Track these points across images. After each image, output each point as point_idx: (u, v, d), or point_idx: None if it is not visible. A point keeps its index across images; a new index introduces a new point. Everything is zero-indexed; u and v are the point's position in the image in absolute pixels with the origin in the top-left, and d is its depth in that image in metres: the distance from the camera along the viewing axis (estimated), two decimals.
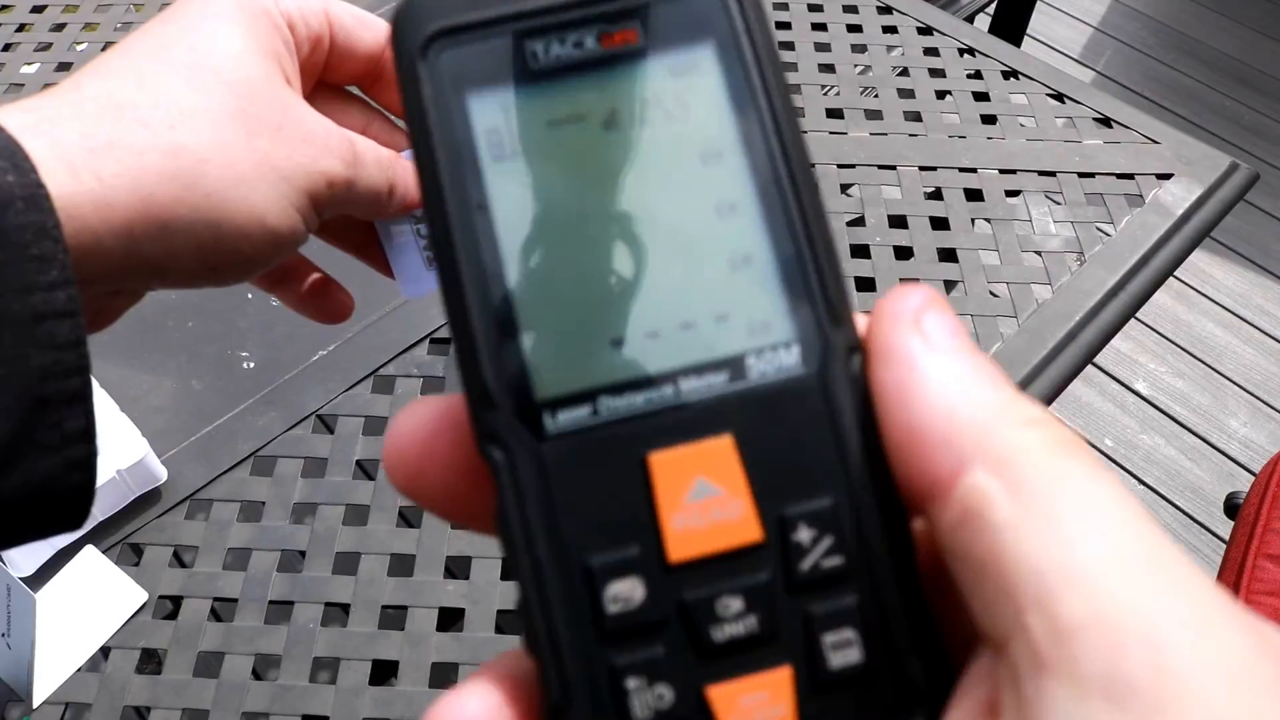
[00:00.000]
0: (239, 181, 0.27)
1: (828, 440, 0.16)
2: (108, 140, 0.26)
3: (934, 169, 0.77)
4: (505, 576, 0.56)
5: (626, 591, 0.15)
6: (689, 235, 0.16)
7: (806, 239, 0.16)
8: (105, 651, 0.54)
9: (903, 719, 0.16)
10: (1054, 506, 0.14)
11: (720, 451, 0.16)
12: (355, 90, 0.35)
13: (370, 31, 0.33)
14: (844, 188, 0.77)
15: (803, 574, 0.16)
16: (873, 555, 0.16)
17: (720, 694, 0.15)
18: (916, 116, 0.81)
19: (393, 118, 0.36)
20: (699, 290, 0.16)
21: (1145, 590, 0.14)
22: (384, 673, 0.53)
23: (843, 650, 0.16)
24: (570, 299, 0.16)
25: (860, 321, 0.17)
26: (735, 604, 0.16)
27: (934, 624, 0.16)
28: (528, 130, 0.16)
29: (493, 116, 0.16)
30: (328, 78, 0.34)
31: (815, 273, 0.16)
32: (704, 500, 0.16)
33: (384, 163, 0.32)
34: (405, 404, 0.63)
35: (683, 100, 0.16)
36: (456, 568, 0.57)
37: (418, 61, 0.16)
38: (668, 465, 0.16)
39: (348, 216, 0.33)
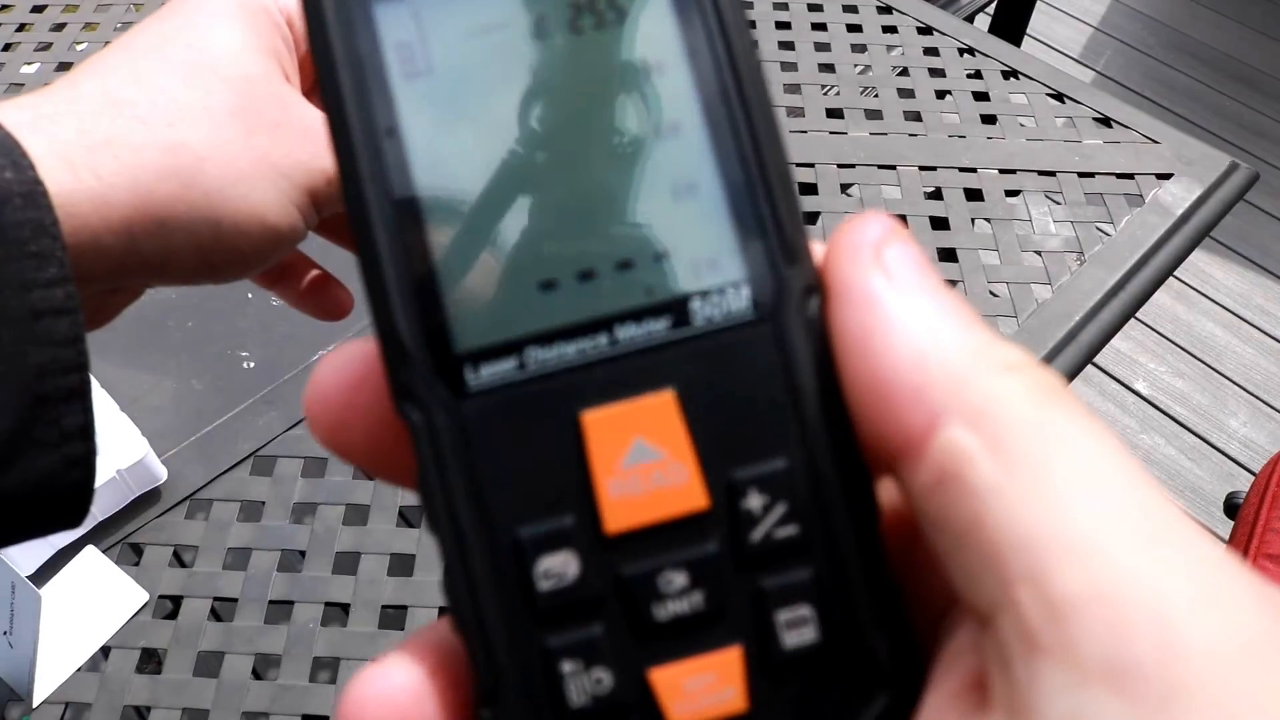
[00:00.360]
0: (238, 179, 0.27)
1: (782, 394, 0.14)
2: (106, 138, 0.25)
3: (934, 169, 0.77)
4: None
5: (559, 566, 0.14)
6: (627, 160, 0.14)
7: (758, 165, 0.14)
8: (105, 651, 0.54)
9: (864, 700, 0.14)
10: (1042, 466, 0.13)
11: (661, 408, 0.14)
12: None
13: None
14: (844, 187, 0.77)
15: (754, 545, 0.14)
16: (831, 524, 0.14)
17: (663, 677, 0.14)
18: (916, 116, 0.81)
19: None
20: (638, 224, 0.14)
21: (1150, 561, 0.12)
22: None
23: (798, 628, 0.14)
24: (493, 236, 0.14)
25: (816, 254, 0.15)
26: (679, 579, 0.14)
27: (900, 600, 0.15)
28: (444, 42, 0.14)
29: (403, 27, 0.14)
30: None
31: (768, 203, 0.14)
32: (643, 464, 0.14)
33: None
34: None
35: (619, 4, 0.14)
36: None
37: None
38: (602, 424, 0.14)
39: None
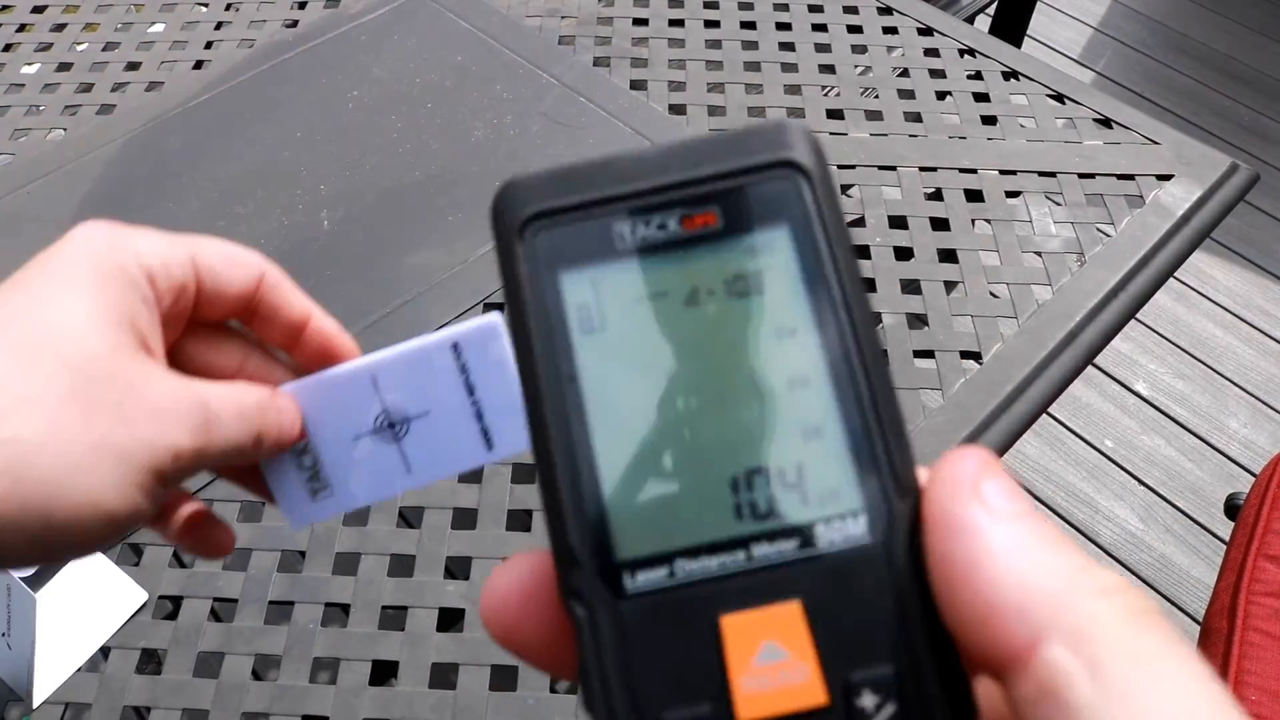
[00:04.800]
0: (74, 468, 0.27)
1: (891, 608, 0.17)
2: None
3: (934, 169, 0.77)
4: None
5: None
6: (764, 407, 0.17)
7: (875, 414, 0.17)
8: (105, 651, 0.54)
9: None
10: (1137, 694, 0.14)
11: (788, 616, 0.17)
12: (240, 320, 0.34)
13: (242, 270, 0.32)
14: (845, 188, 0.77)
15: None
16: None
17: None
18: (917, 117, 0.81)
19: (274, 351, 0.34)
20: (772, 460, 0.17)
21: None
22: (384, 673, 0.53)
23: None
24: (651, 466, 0.17)
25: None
26: None
27: None
28: (614, 306, 0.18)
29: (583, 293, 0.17)
30: (201, 317, 0.32)
31: (883, 446, 0.17)
32: (772, 663, 0.16)
33: (248, 414, 0.31)
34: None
35: (759, 279, 0.18)
36: (456, 568, 0.57)
37: (515, 242, 0.18)
38: (739, 628, 0.16)
39: None
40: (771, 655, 0.16)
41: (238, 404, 0.30)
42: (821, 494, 0.17)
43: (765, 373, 0.17)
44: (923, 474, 0.18)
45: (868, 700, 0.16)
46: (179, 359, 0.32)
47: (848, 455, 0.17)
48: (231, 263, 0.32)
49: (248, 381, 0.32)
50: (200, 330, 0.33)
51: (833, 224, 0.18)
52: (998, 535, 0.16)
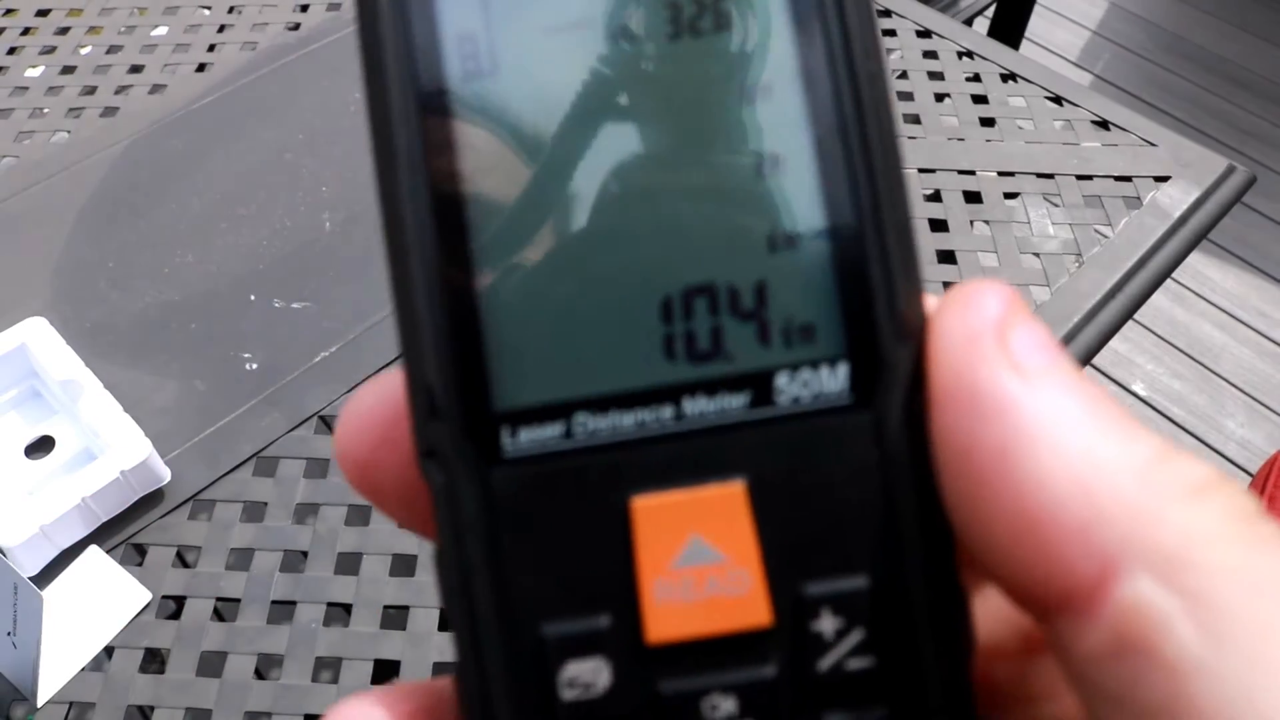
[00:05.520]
0: None
1: (875, 499, 0.12)
2: None
3: (933, 171, 0.77)
4: None
5: (588, 675, 0.12)
6: (718, 199, 0.12)
7: (874, 216, 0.12)
8: (109, 651, 0.54)
9: None
10: (1263, 637, 0.10)
11: (727, 502, 0.12)
12: None
13: None
14: None
15: (820, 675, 0.12)
16: (917, 662, 0.12)
17: None
18: (915, 119, 0.82)
19: None
20: (724, 277, 0.12)
21: None
22: (386, 672, 0.54)
23: None
24: (550, 278, 0.12)
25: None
26: (727, 705, 0.12)
27: None
28: (511, 38, 0.12)
29: (468, 18, 0.12)
30: None
31: (881, 263, 0.12)
32: (699, 566, 0.12)
33: None
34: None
35: (723, 9, 0.12)
36: None
37: None
38: (656, 514, 0.12)
39: None
40: (699, 555, 0.12)
41: None
42: (789, 328, 0.12)
43: (723, 147, 0.12)
44: (931, 302, 0.13)
45: (826, 624, 0.12)
46: None
47: (830, 274, 0.12)
48: None
49: None
50: None
51: None
52: (1042, 416, 0.11)
